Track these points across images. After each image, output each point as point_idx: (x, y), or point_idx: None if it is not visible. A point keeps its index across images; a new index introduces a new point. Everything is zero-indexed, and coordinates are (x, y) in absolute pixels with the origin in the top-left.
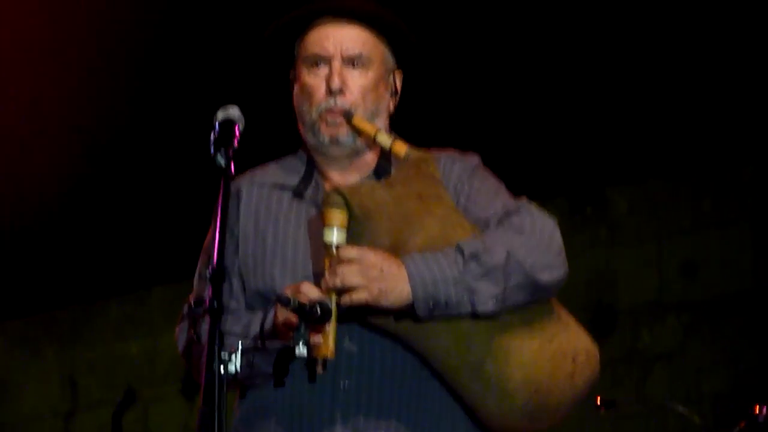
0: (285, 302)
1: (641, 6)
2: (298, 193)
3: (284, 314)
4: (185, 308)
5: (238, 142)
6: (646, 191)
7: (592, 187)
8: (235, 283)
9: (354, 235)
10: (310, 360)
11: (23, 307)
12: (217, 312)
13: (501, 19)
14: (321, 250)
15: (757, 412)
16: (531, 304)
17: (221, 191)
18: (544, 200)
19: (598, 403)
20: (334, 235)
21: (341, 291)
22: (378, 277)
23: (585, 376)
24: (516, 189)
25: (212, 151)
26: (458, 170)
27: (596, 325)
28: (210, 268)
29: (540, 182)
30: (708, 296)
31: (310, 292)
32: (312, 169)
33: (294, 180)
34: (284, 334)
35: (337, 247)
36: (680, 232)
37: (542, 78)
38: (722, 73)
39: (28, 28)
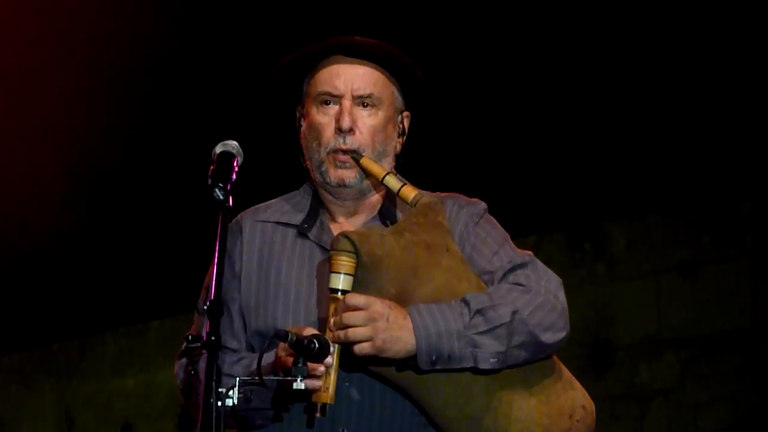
0: (283, 337)
1: (637, 40)
2: (302, 232)
3: (284, 360)
4: (184, 343)
5: (236, 177)
6: (644, 227)
7: (590, 223)
8: (236, 321)
9: (361, 283)
10: (310, 405)
11: (19, 341)
12: (215, 347)
13: (500, 52)
14: (326, 293)
15: None
16: (531, 362)
17: (219, 225)
18: (542, 235)
19: None
20: (341, 281)
21: (345, 340)
22: (383, 327)
23: None
24: (515, 224)
25: (210, 185)
26: (465, 217)
27: (594, 360)
28: (207, 302)
29: (538, 217)
30: (706, 332)
31: (301, 336)
32: (317, 207)
33: (298, 218)
34: (283, 369)
35: (344, 293)
36: (679, 268)
37: (541, 115)
38: (721, 108)
39: (30, 54)
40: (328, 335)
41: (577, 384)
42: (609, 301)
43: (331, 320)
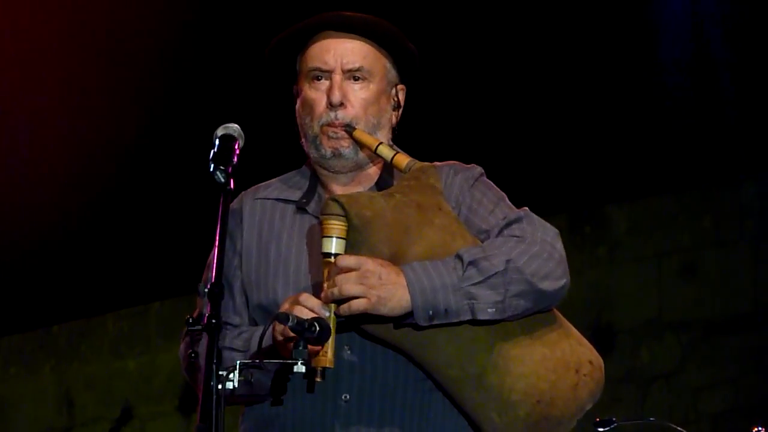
0: (283, 320)
1: (637, 23)
2: (301, 207)
3: (283, 331)
4: (185, 326)
5: (237, 159)
6: (645, 210)
7: (591, 206)
8: (238, 298)
9: (352, 245)
10: (310, 370)
11: (19, 322)
12: (215, 329)
13: (504, 36)
14: (319, 261)
15: None
16: (532, 313)
17: (221, 208)
18: (543, 218)
19: (597, 420)
20: (333, 245)
21: (340, 300)
22: (376, 284)
23: (589, 388)
24: (516, 207)
25: (211, 167)
26: (460, 181)
27: (595, 343)
28: (208, 284)
29: (539, 200)
30: (707, 315)
31: (308, 301)
32: (315, 183)
33: (297, 194)
34: (283, 350)
35: (336, 256)
36: (680, 250)
37: (542, 96)
38: (722, 92)
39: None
40: (323, 298)
41: (584, 340)
42: (610, 285)
43: (325, 284)
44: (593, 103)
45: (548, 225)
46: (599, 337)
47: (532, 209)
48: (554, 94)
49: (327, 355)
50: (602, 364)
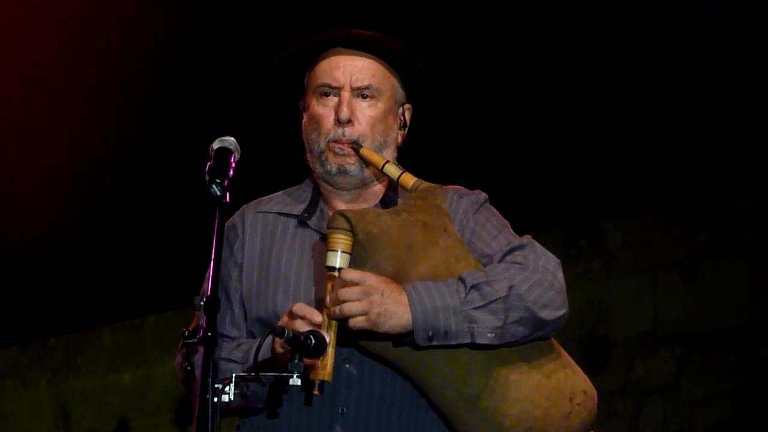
0: (279, 333)
1: (632, 37)
2: (303, 222)
3: (283, 344)
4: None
5: (233, 172)
6: (640, 223)
7: (586, 219)
8: (237, 311)
9: (357, 260)
10: (308, 383)
11: (15, 335)
12: (210, 342)
13: (497, 53)
14: (324, 275)
15: None
16: (530, 340)
17: (216, 221)
18: (538, 231)
19: None
20: (338, 259)
21: (342, 316)
22: (378, 301)
23: (581, 417)
24: (510, 220)
25: (207, 180)
26: (465, 205)
27: (590, 357)
28: (204, 297)
29: (535, 214)
30: (702, 329)
31: (300, 310)
32: (318, 199)
33: (299, 209)
34: (283, 362)
35: (340, 270)
36: (675, 264)
37: (538, 111)
38: (717, 104)
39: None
40: (325, 312)
41: (578, 369)
42: (605, 298)
43: (328, 297)
44: (589, 116)
45: (550, 254)
46: (594, 350)
47: (527, 223)
48: (550, 109)
49: (326, 368)
50: (595, 395)
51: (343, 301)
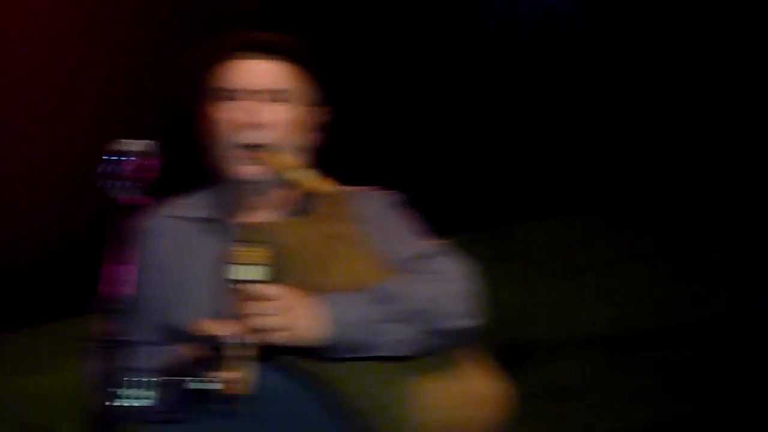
0: (190, 339)
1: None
2: (206, 227)
3: (191, 351)
4: (85, 344)
5: (139, 174)
6: (560, 227)
7: (506, 223)
8: (145, 317)
9: (272, 273)
10: (226, 396)
11: None
12: (112, 348)
13: (420, 54)
14: (233, 285)
15: None
16: (442, 350)
17: (118, 225)
18: (459, 234)
19: None
20: (249, 273)
21: (259, 330)
22: (294, 316)
23: (486, 423)
24: (432, 223)
25: (109, 183)
26: (379, 207)
27: (513, 360)
28: (110, 301)
29: (456, 216)
30: (626, 330)
31: (210, 328)
32: (227, 203)
33: (207, 213)
34: (191, 369)
35: (251, 284)
36: (597, 266)
37: (461, 115)
38: (641, 107)
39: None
40: (239, 327)
41: (489, 375)
42: (526, 301)
43: (243, 312)
44: (512, 121)
45: (464, 262)
46: (516, 353)
47: (449, 225)
48: (476, 112)
49: (243, 381)
50: (508, 400)
51: (261, 316)
